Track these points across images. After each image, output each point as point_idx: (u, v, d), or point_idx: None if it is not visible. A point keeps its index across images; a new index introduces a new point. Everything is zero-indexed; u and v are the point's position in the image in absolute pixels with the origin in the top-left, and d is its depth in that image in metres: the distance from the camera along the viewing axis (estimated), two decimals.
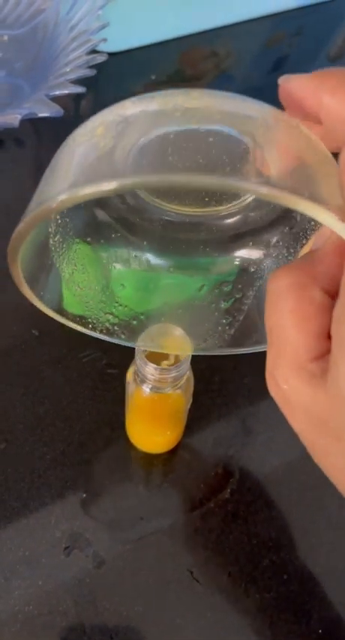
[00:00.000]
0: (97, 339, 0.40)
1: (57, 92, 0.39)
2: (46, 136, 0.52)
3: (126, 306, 0.27)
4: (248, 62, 0.68)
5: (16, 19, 0.49)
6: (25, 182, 0.49)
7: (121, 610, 0.30)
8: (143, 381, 0.29)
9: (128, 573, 0.31)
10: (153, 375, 0.28)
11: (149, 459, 0.35)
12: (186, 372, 0.28)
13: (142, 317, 0.27)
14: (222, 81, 0.65)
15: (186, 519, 0.33)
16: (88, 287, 0.26)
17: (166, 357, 0.29)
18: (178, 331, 0.27)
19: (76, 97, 0.58)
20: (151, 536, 0.32)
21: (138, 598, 0.31)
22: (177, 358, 0.29)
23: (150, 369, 0.27)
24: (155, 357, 0.28)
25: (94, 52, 0.44)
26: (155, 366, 0.27)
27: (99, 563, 0.31)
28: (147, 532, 0.32)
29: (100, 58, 0.41)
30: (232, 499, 0.34)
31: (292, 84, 0.20)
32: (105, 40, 0.43)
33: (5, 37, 0.50)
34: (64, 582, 0.31)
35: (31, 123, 0.54)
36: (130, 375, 0.30)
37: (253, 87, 0.64)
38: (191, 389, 0.30)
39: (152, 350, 0.28)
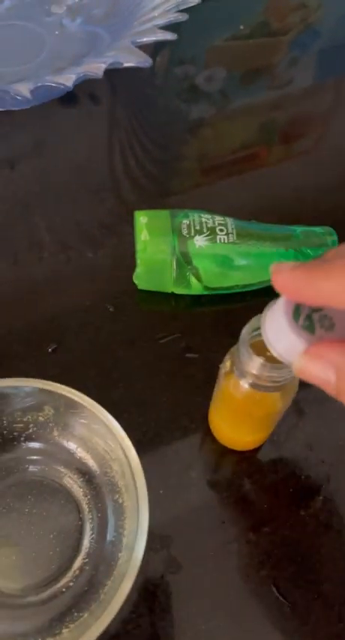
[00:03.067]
0: (175, 319, 0.37)
1: (144, 39, 0.35)
2: (121, 92, 0.48)
3: None
4: (338, 16, 0.61)
5: None
6: (99, 142, 0.45)
7: (199, 622, 0.27)
8: (243, 375, 0.25)
9: (207, 582, 0.28)
10: (258, 371, 0.24)
11: (231, 456, 0.32)
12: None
13: None
14: (308, 37, 0.59)
15: (272, 527, 0.30)
16: None
17: None
18: None
19: (154, 47, 0.53)
20: (233, 544, 0.29)
21: (217, 611, 0.28)
22: None
23: (255, 364, 0.24)
24: (261, 348, 0.24)
25: None
26: (263, 361, 0.23)
27: (176, 567, 0.29)
28: (229, 539, 0.29)
29: (193, 1, 0.37)
30: (325, 508, 0.30)
31: (284, 278, 0.20)
32: None
33: None
34: (138, 586, 0.28)
35: (107, 77, 0.50)
36: (227, 364, 0.27)
37: (340, 44, 0.58)
38: (295, 390, 0.26)
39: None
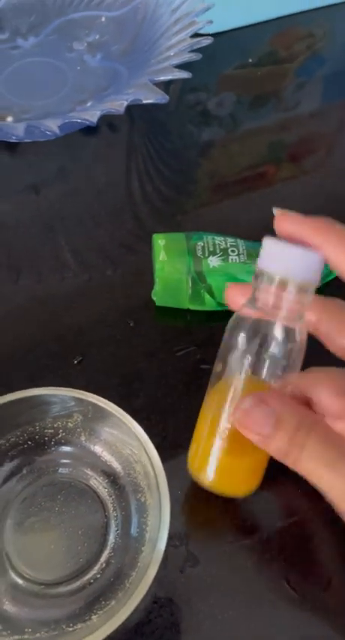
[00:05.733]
0: (191, 333, 0.39)
1: (161, 77, 0.38)
2: (139, 121, 0.52)
3: None
4: (343, 43, 0.64)
5: (114, 0, 0.48)
6: (117, 168, 0.49)
7: (216, 613, 0.30)
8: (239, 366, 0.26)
9: (223, 576, 0.31)
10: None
11: None
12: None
13: None
14: (313, 63, 0.62)
15: (283, 526, 0.32)
16: None
17: None
18: None
19: (167, 81, 0.57)
20: (247, 540, 0.32)
21: (232, 603, 0.30)
22: None
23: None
24: None
25: (196, 34, 0.43)
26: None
27: (194, 562, 0.31)
28: (243, 536, 0.32)
29: (206, 42, 0.40)
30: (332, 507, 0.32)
31: (289, 226, 0.25)
32: (211, 22, 0.41)
33: (103, 19, 0.49)
34: (160, 579, 0.30)
35: (126, 108, 0.53)
36: (218, 366, 0.28)
37: (343, 70, 0.61)
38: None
39: None
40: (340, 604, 0.30)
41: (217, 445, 0.28)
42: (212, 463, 0.29)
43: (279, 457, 0.23)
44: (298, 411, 0.22)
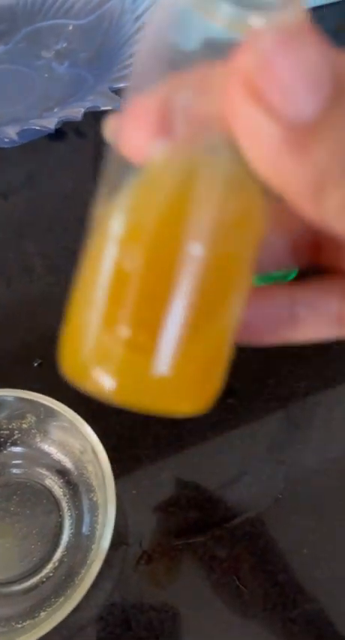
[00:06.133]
0: None
1: (120, 85, 0.39)
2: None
3: None
4: None
5: (82, 8, 0.49)
6: (84, 174, 0.49)
7: (167, 609, 0.30)
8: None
9: (175, 573, 0.31)
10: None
11: (199, 459, 0.35)
12: None
13: None
14: None
15: (234, 524, 0.33)
16: None
17: None
18: None
19: None
20: (199, 538, 0.32)
21: (184, 599, 0.31)
22: None
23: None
24: None
25: None
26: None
27: (147, 560, 0.32)
28: (195, 534, 0.32)
29: None
30: (283, 506, 0.33)
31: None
32: None
33: (70, 27, 0.50)
34: (113, 576, 0.31)
35: (93, 114, 0.54)
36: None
37: None
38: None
39: None
40: (287, 600, 0.30)
41: (132, 306, 0.13)
42: (120, 346, 0.13)
43: (311, 190, 0.11)
44: None
